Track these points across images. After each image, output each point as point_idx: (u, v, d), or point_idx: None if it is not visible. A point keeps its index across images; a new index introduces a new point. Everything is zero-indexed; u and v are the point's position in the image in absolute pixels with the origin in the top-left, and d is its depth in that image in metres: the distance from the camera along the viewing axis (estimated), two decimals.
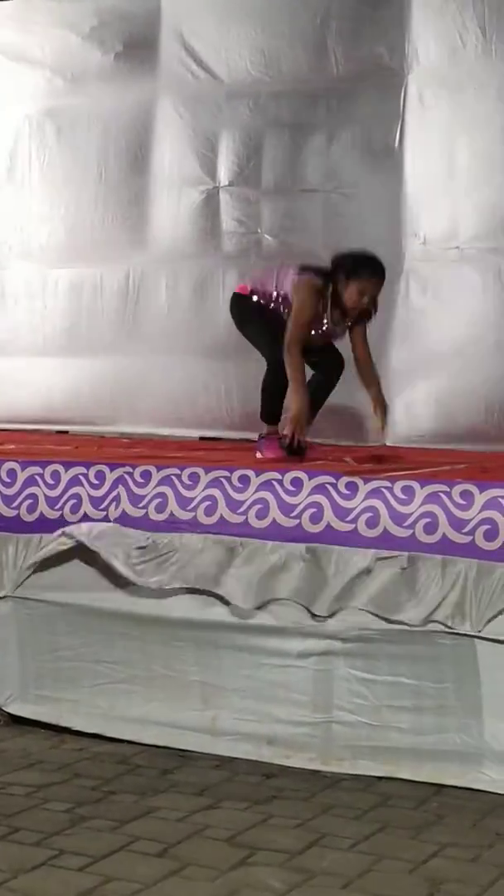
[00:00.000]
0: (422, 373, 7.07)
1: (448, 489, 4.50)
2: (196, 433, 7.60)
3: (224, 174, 7.63)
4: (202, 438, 7.54)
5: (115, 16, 8.04)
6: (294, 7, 7.44)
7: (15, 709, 5.13)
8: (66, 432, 7.85)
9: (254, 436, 7.30)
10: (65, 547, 4.93)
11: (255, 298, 5.81)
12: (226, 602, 4.68)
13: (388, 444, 7.05)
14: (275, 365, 5.65)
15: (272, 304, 5.74)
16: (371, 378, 5.92)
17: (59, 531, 4.96)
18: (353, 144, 7.26)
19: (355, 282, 5.63)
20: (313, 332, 5.69)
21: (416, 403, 7.04)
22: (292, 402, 5.49)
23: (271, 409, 5.78)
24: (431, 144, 6.99)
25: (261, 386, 5.84)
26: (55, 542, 4.95)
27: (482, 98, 6.89)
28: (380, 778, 4.51)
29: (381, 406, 5.86)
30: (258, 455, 5.66)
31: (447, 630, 4.38)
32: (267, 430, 5.80)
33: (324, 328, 5.71)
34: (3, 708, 5.16)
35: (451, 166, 6.99)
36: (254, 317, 5.84)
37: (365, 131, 7.21)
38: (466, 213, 6.96)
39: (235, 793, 4.38)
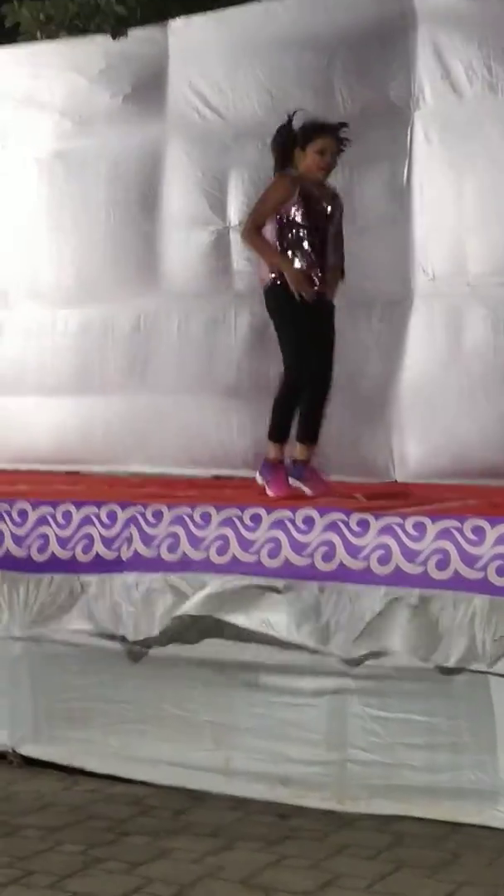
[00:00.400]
0: (432, 408, 7.06)
1: (460, 525, 4.48)
2: (209, 472, 7.61)
3: (234, 214, 7.66)
4: (216, 477, 7.55)
5: (122, 58, 8.11)
6: (300, 47, 7.48)
7: (27, 750, 5.12)
8: (77, 472, 7.86)
9: None
10: None
11: (279, 282, 5.55)
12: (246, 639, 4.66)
13: (398, 479, 7.06)
14: (291, 377, 5.57)
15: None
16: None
17: None
18: (361, 182, 7.28)
19: (311, 146, 5.64)
20: (318, 228, 5.59)
21: (426, 439, 7.04)
22: (281, 266, 5.45)
23: (280, 422, 5.62)
24: (439, 182, 7.01)
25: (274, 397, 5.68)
26: None
27: (489, 136, 6.91)
28: (395, 817, 4.48)
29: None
30: (261, 483, 5.51)
31: (460, 667, 4.36)
32: (273, 453, 5.59)
33: (326, 211, 5.67)
34: (16, 749, 5.14)
35: (460, 203, 7.01)
36: (284, 310, 5.61)
37: (373, 169, 7.23)
38: (475, 249, 6.96)
39: (250, 833, 4.35)
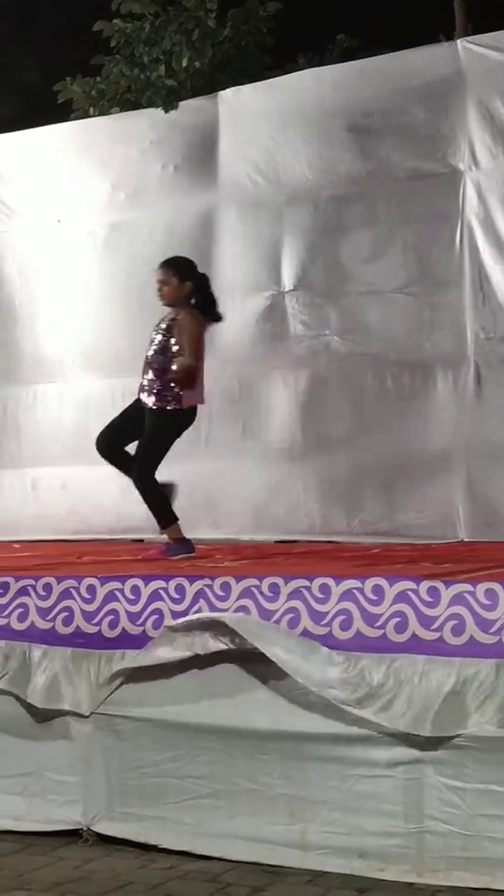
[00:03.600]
0: (495, 467, 7.04)
1: None
2: (275, 536, 7.61)
3: (288, 279, 7.71)
4: (278, 542, 7.55)
5: (173, 129, 8.24)
6: (349, 112, 7.57)
7: (102, 828, 5.08)
8: (141, 540, 7.88)
9: (334, 537, 7.35)
10: None
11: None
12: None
13: (464, 539, 7.03)
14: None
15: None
16: None
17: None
18: (414, 244, 7.32)
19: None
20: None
21: (491, 497, 7.01)
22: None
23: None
24: (493, 242, 7.02)
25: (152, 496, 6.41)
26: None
27: None
28: (476, 889, 4.40)
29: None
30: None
31: None
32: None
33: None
34: (91, 827, 5.12)
35: None
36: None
37: (426, 232, 7.27)
38: None
39: None
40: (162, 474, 7.28)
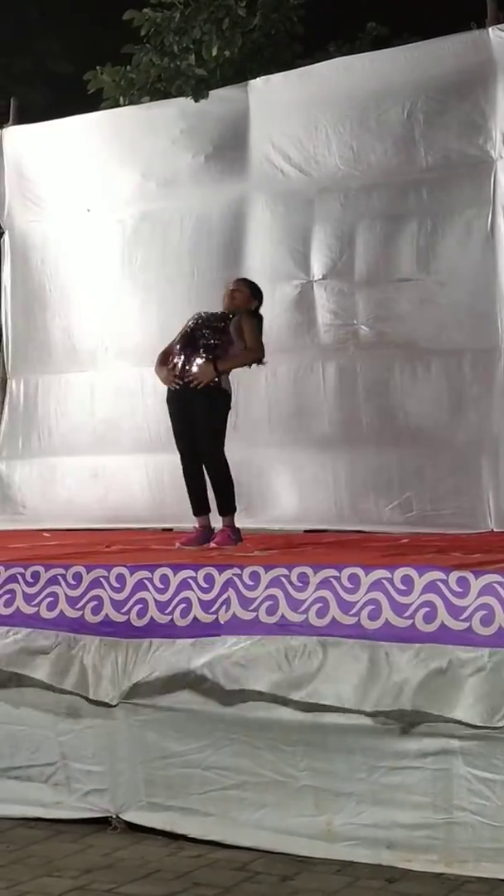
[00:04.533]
0: None
1: None
2: (303, 526, 7.61)
3: (318, 268, 7.70)
4: (307, 531, 7.55)
5: (203, 119, 8.21)
6: (380, 100, 7.53)
7: (130, 816, 5.10)
8: (170, 529, 7.90)
9: (363, 526, 7.34)
10: None
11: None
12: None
13: (494, 529, 7.00)
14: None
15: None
16: None
17: None
18: (444, 233, 7.29)
19: None
20: None
21: None
22: None
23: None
24: None
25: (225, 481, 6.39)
26: None
27: None
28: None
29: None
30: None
31: None
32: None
33: None
34: (119, 815, 5.14)
35: None
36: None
37: (456, 220, 7.23)
38: None
39: None
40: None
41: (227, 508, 6.47)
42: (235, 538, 6.38)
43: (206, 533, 6.46)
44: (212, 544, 6.35)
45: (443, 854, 4.52)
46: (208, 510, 6.49)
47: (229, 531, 6.41)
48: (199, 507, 6.52)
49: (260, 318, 6.61)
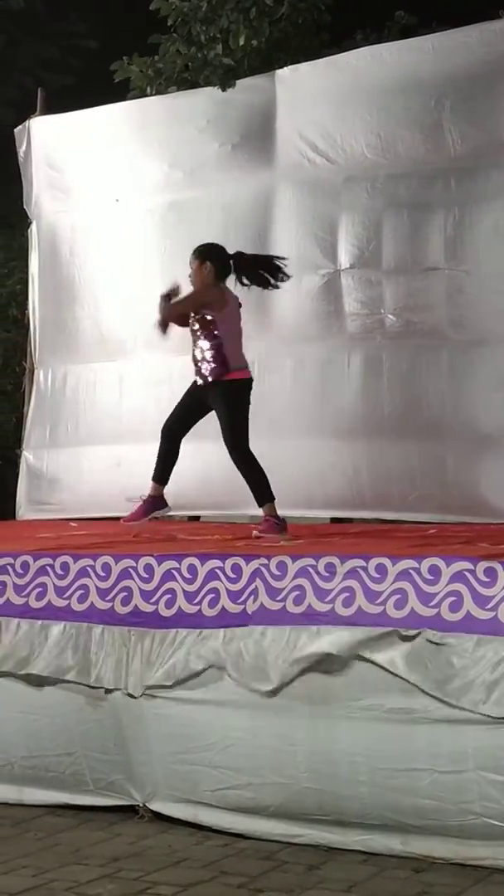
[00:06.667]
0: None
1: None
2: (326, 514, 7.60)
3: (345, 257, 7.68)
4: (333, 520, 7.54)
5: (231, 108, 8.20)
6: (408, 89, 7.49)
7: (157, 806, 5.14)
8: (197, 518, 7.90)
9: (386, 515, 7.33)
10: None
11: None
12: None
13: None
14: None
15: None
16: None
17: None
18: (472, 222, 7.26)
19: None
20: None
21: None
22: None
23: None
24: None
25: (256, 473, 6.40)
26: None
27: None
28: None
29: None
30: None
31: None
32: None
33: None
34: (147, 804, 5.16)
35: None
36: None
37: (484, 208, 7.21)
38: None
39: (384, 889, 4.32)
40: (215, 449, 7.27)
41: (264, 498, 6.42)
42: (280, 527, 6.30)
43: (155, 502, 6.64)
44: (255, 534, 6.31)
45: (469, 845, 4.53)
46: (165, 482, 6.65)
47: (273, 520, 6.34)
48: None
49: (211, 269, 6.69)
